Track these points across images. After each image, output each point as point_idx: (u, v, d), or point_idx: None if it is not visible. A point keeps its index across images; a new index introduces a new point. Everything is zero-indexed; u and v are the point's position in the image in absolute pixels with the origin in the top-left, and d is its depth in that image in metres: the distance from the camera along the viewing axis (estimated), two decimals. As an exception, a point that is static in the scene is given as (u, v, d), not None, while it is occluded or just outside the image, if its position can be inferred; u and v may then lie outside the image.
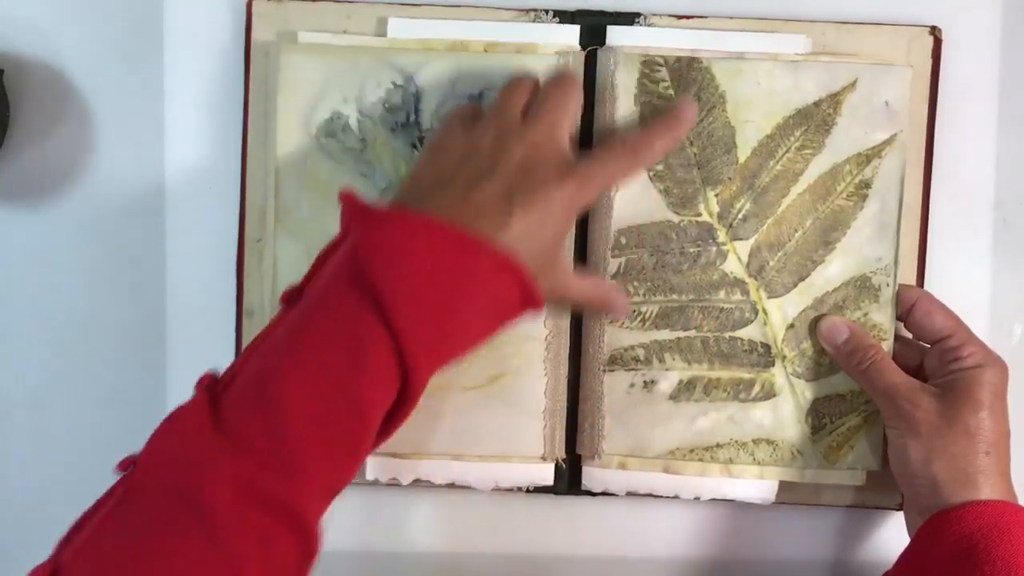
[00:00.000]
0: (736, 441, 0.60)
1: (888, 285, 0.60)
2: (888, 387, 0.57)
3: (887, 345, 0.60)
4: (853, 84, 0.59)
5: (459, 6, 0.61)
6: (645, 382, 0.60)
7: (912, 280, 0.61)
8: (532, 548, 0.63)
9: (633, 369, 0.60)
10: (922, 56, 0.61)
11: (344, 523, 0.62)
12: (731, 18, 0.61)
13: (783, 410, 0.60)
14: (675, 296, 0.60)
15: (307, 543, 0.46)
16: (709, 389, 0.60)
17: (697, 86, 0.59)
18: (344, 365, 0.46)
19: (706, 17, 0.61)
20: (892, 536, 0.63)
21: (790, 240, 0.60)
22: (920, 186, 0.61)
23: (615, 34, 0.60)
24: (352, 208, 0.49)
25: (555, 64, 0.59)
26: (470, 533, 0.63)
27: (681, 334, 0.60)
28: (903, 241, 0.60)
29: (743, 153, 0.59)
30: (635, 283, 0.60)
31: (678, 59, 0.59)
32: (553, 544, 0.63)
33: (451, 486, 0.61)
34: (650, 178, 0.59)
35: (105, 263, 0.63)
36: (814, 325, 0.60)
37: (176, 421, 0.47)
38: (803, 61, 0.60)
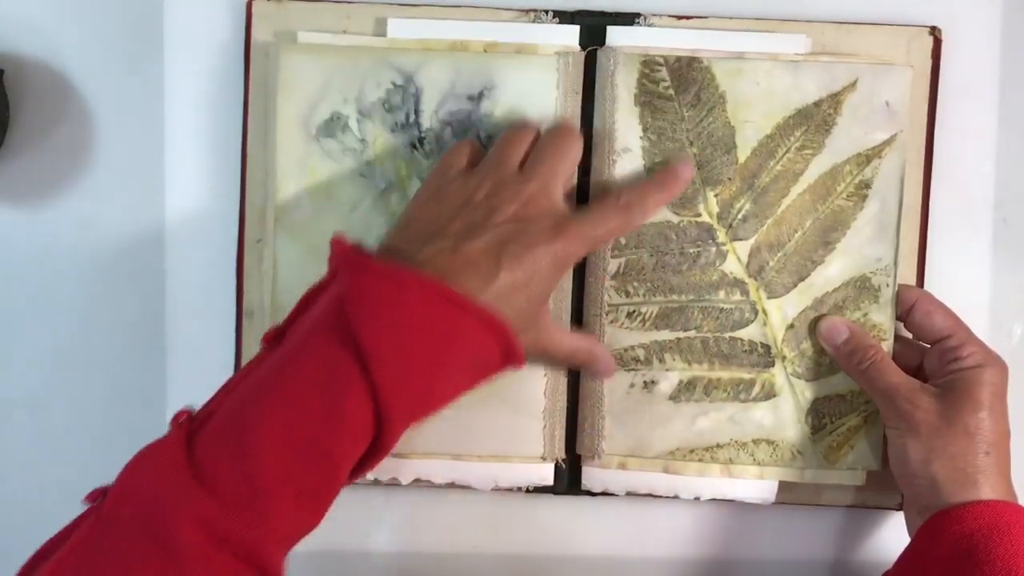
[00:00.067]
0: (736, 441, 0.60)
1: (888, 285, 0.60)
2: (888, 387, 0.57)
3: (887, 345, 0.60)
4: (853, 84, 0.59)
5: (459, 6, 0.61)
6: (645, 382, 0.60)
7: (912, 280, 0.61)
8: (532, 548, 0.63)
9: (633, 369, 0.60)
10: (922, 56, 0.61)
11: (344, 523, 0.62)
12: (731, 18, 0.61)
13: (783, 410, 0.60)
14: (675, 296, 0.60)
15: None
16: (709, 389, 0.60)
17: (697, 86, 0.59)
18: (320, 414, 0.46)
19: (706, 17, 0.61)
20: (892, 536, 0.63)
21: (790, 240, 0.60)
22: (920, 186, 0.61)
23: (615, 34, 0.60)
24: (341, 255, 0.50)
25: (556, 118, 0.59)
26: (470, 533, 0.63)
27: (681, 334, 0.60)
28: (903, 241, 0.60)
29: (743, 153, 0.59)
30: (635, 283, 0.60)
31: (678, 59, 0.59)
32: (553, 544, 0.63)
33: (451, 486, 0.61)
34: (650, 178, 0.60)
35: (105, 263, 0.63)
36: (814, 325, 0.60)
37: (150, 457, 0.47)
38: (803, 61, 0.60)
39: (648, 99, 0.59)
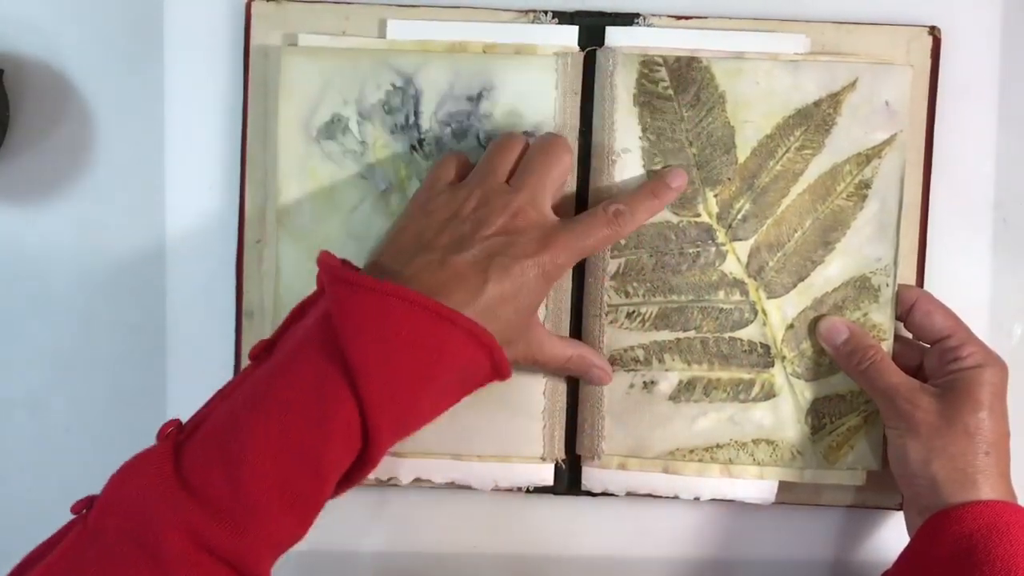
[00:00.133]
0: (736, 441, 0.60)
1: (888, 285, 0.60)
2: (888, 387, 0.57)
3: (887, 345, 0.60)
4: (853, 84, 0.59)
5: (458, 7, 0.61)
6: (645, 383, 0.60)
7: (912, 280, 0.61)
8: (532, 548, 0.63)
9: (633, 370, 0.60)
10: (922, 56, 0.61)
11: (344, 523, 0.62)
12: (730, 18, 0.61)
13: (783, 410, 0.60)
14: (674, 297, 0.60)
15: None
16: (709, 390, 0.60)
17: (696, 86, 0.59)
18: (307, 426, 0.46)
19: (705, 17, 0.61)
20: (892, 536, 0.63)
21: (790, 240, 0.60)
22: (920, 186, 0.61)
23: (614, 34, 0.60)
24: (328, 271, 0.50)
25: (546, 132, 0.59)
26: (470, 533, 0.63)
27: (681, 335, 0.60)
28: (903, 241, 0.60)
29: (743, 153, 0.59)
30: (634, 284, 0.60)
31: (677, 59, 0.59)
32: (553, 544, 0.63)
33: (451, 486, 0.61)
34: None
35: (105, 263, 0.63)
36: (814, 325, 0.60)
37: (137, 466, 0.47)
38: (803, 61, 0.60)
39: (647, 99, 0.59)
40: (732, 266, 0.60)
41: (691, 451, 0.60)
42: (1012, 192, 0.63)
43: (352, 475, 0.49)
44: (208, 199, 0.62)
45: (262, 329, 0.61)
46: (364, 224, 0.60)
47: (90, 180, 0.63)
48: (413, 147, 0.60)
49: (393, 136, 0.60)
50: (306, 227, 0.60)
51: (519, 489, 0.61)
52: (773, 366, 0.60)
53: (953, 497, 0.54)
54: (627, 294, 0.60)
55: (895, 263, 0.60)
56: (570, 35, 0.60)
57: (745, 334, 0.60)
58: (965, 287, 0.63)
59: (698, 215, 0.60)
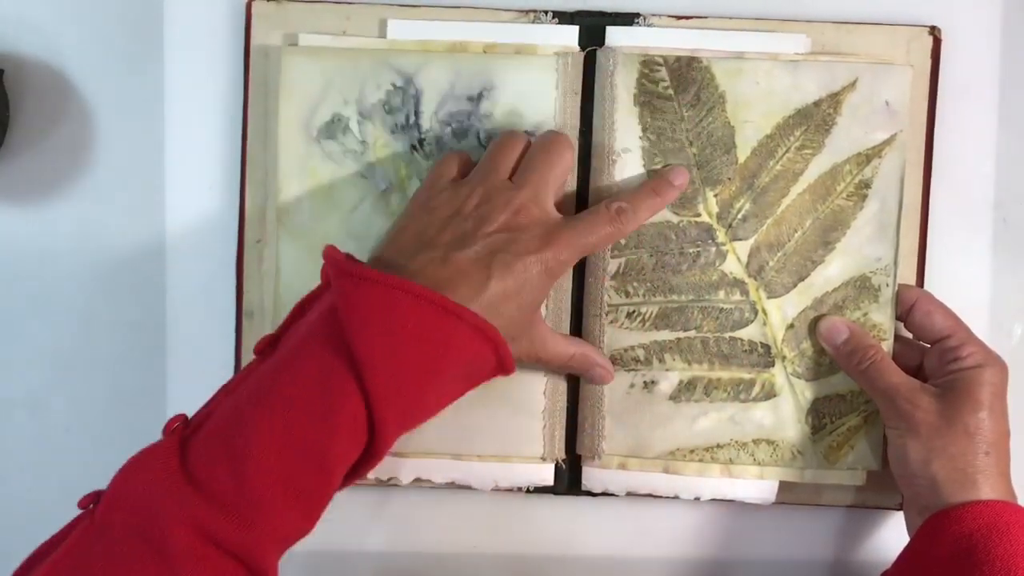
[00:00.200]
0: (736, 441, 0.60)
1: (888, 285, 0.60)
2: (888, 387, 0.57)
3: (887, 345, 0.60)
4: (853, 84, 0.59)
5: (458, 7, 0.61)
6: (645, 382, 0.60)
7: (912, 280, 0.61)
8: (532, 548, 0.63)
9: (633, 369, 0.60)
10: (922, 56, 0.61)
11: (344, 523, 0.62)
12: (731, 18, 0.61)
13: (783, 410, 0.60)
14: (675, 296, 0.60)
15: None
16: (709, 389, 0.60)
17: (697, 86, 0.59)
18: (312, 421, 0.46)
19: (705, 17, 0.61)
20: (892, 536, 0.63)
21: (790, 240, 0.60)
22: (920, 186, 0.61)
23: (614, 34, 0.60)
24: (334, 265, 0.50)
25: (548, 129, 0.59)
26: (470, 533, 0.63)
27: (681, 334, 0.60)
28: (903, 241, 0.60)
29: (743, 153, 0.59)
30: (634, 283, 0.60)
31: (677, 59, 0.59)
32: (553, 544, 0.63)
33: (451, 486, 0.61)
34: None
35: (105, 263, 0.63)
36: (814, 325, 0.60)
37: (143, 461, 0.47)
38: (803, 61, 0.60)
39: (647, 99, 0.59)
40: (732, 266, 0.60)
41: (691, 451, 0.60)
42: (1012, 192, 0.63)
43: (358, 468, 0.49)
44: (208, 199, 0.62)
45: (262, 329, 0.61)
46: (364, 224, 0.60)
47: (90, 180, 0.63)
48: (413, 147, 0.60)
49: (393, 136, 0.60)
50: (306, 227, 0.60)
51: (519, 489, 0.61)
52: (773, 366, 0.60)
53: (953, 497, 0.54)
54: (627, 294, 0.60)
55: (895, 263, 0.60)
56: (570, 35, 0.60)
57: (745, 334, 0.60)
58: (965, 287, 0.63)
59: (698, 215, 0.60)
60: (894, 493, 0.60)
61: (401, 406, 0.48)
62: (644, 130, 0.59)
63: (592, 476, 0.61)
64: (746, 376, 0.60)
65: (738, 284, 0.60)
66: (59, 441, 0.63)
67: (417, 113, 0.60)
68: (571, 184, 0.59)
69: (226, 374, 0.62)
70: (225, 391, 0.49)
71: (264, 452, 0.45)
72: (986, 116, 0.63)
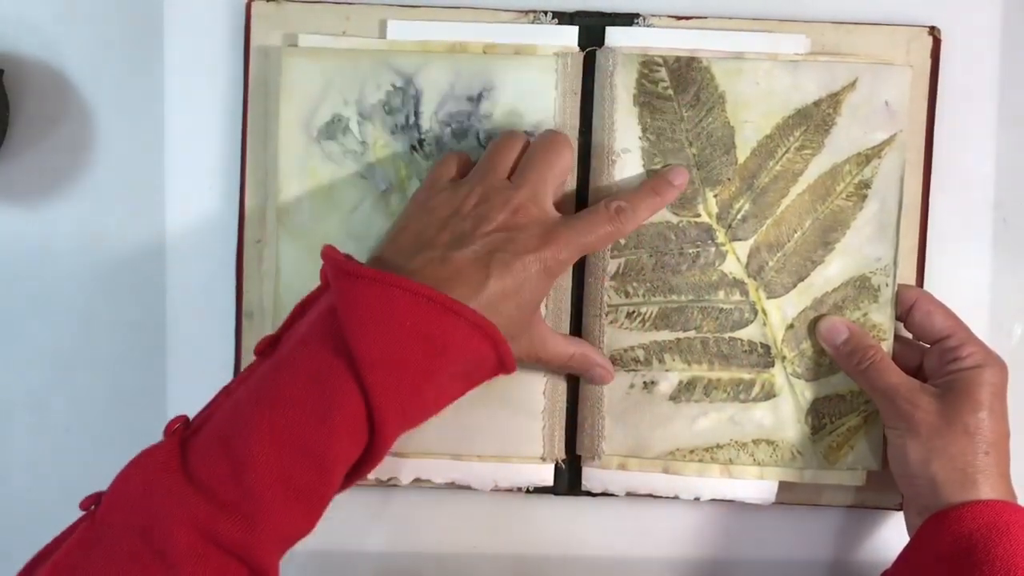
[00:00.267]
0: (736, 441, 0.60)
1: (888, 285, 0.60)
2: (887, 387, 0.57)
3: (887, 345, 0.60)
4: (853, 84, 0.59)
5: (458, 8, 0.61)
6: (645, 383, 0.60)
7: (912, 280, 0.61)
8: (532, 548, 0.63)
9: (633, 370, 0.60)
10: (921, 56, 0.61)
11: (345, 523, 0.62)
12: (730, 18, 0.61)
13: (783, 410, 0.60)
14: (674, 297, 0.60)
15: None
16: (709, 390, 0.60)
17: (696, 86, 0.59)
18: (312, 420, 0.46)
19: (705, 17, 0.61)
20: (892, 536, 0.63)
21: (789, 240, 0.60)
22: (920, 186, 0.61)
23: (614, 35, 0.60)
24: (332, 265, 0.50)
25: (546, 128, 0.59)
26: (470, 533, 0.63)
27: (681, 335, 0.60)
28: (903, 241, 0.60)
29: (742, 153, 0.59)
30: (634, 284, 0.60)
31: (677, 59, 0.59)
32: (553, 544, 0.63)
33: (451, 486, 0.61)
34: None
35: (105, 263, 0.63)
36: (813, 325, 0.60)
37: (144, 462, 0.47)
38: (802, 61, 0.60)
39: (647, 99, 0.59)
40: (732, 266, 0.60)
41: (691, 451, 0.60)
42: (1012, 192, 0.63)
43: (359, 468, 0.49)
44: (208, 199, 0.62)
45: (262, 329, 0.61)
46: (364, 224, 0.60)
47: (90, 180, 0.63)
48: (413, 147, 0.60)
49: (393, 136, 0.60)
50: (306, 227, 0.60)
51: (519, 489, 0.61)
52: (773, 366, 0.60)
53: (953, 497, 0.54)
54: (627, 294, 0.60)
55: (895, 263, 0.60)
56: (570, 35, 0.60)
57: (745, 334, 0.60)
58: (965, 287, 0.63)
59: (698, 215, 0.60)
60: (894, 493, 0.60)
61: (401, 404, 0.48)
62: (644, 130, 0.59)
63: (592, 476, 0.61)
64: (746, 376, 0.60)
65: (738, 284, 0.60)
66: (59, 441, 0.63)
67: (417, 113, 0.60)
68: (570, 184, 0.59)
69: (226, 374, 0.62)
70: (226, 392, 0.50)
71: (264, 452, 0.45)
72: (986, 116, 0.63)
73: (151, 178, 0.62)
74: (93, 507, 0.46)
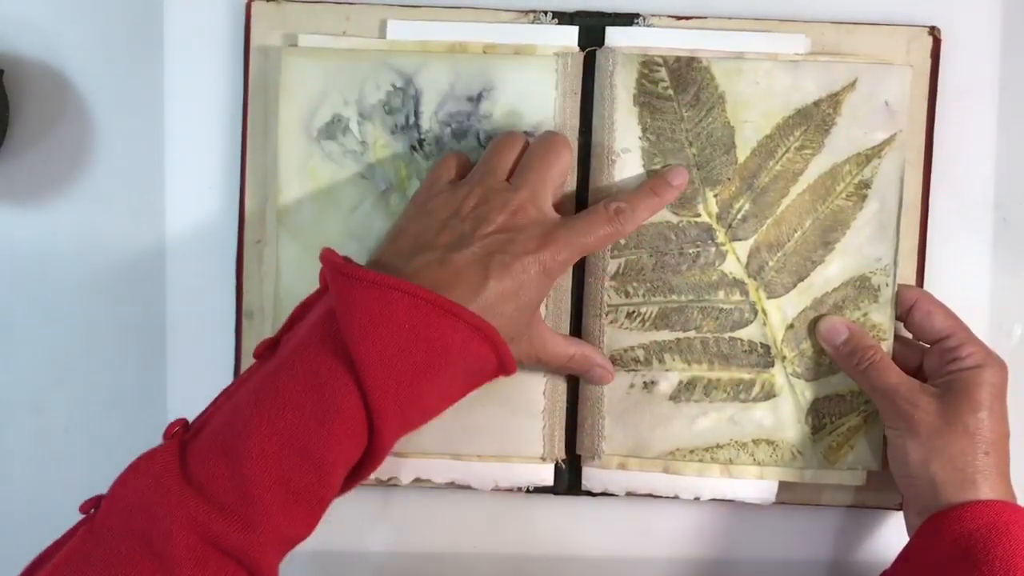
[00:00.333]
0: (736, 441, 0.60)
1: (888, 285, 0.60)
2: (887, 387, 0.57)
3: (886, 345, 0.60)
4: (853, 84, 0.59)
5: (458, 8, 0.61)
6: (645, 383, 0.60)
7: (912, 280, 0.61)
8: (532, 548, 0.63)
9: (633, 370, 0.60)
10: (921, 56, 0.61)
11: (345, 523, 0.62)
12: (730, 18, 0.61)
13: (783, 410, 0.60)
14: (674, 297, 0.60)
15: None
16: (709, 390, 0.60)
17: (696, 86, 0.59)
18: (312, 423, 0.46)
19: (705, 17, 0.61)
20: (892, 536, 0.63)
21: (789, 240, 0.60)
22: (920, 186, 0.61)
23: (614, 35, 0.60)
24: (331, 267, 0.50)
25: (546, 130, 0.59)
26: (470, 533, 0.63)
27: (681, 335, 0.60)
28: (903, 241, 0.60)
29: (742, 153, 0.59)
30: (634, 284, 0.60)
31: (677, 59, 0.59)
32: (553, 544, 0.63)
33: (451, 486, 0.61)
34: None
35: (105, 263, 0.63)
36: (813, 325, 0.60)
37: (143, 465, 0.47)
38: (802, 61, 0.60)
39: (647, 99, 0.59)
40: (732, 266, 0.60)
41: (691, 451, 0.60)
42: (1012, 192, 0.63)
43: (359, 470, 0.49)
44: (208, 199, 0.62)
45: (262, 329, 0.61)
46: (364, 224, 0.60)
47: (90, 180, 0.63)
48: (413, 147, 0.60)
49: (393, 136, 0.60)
50: (306, 227, 0.60)
51: (519, 489, 0.61)
52: (773, 366, 0.60)
53: (952, 497, 0.54)
54: (627, 294, 0.60)
55: (895, 263, 0.60)
56: (570, 35, 0.60)
57: (745, 334, 0.60)
58: (965, 287, 0.63)
59: (698, 215, 0.60)
60: (894, 493, 0.60)
61: (400, 407, 0.48)
62: (644, 130, 0.59)
63: (592, 476, 0.61)
64: (746, 376, 0.60)
65: (738, 284, 0.60)
66: (59, 441, 0.63)
67: (417, 113, 0.60)
68: (570, 184, 0.59)
69: (226, 375, 0.62)
70: (226, 395, 0.50)
71: (263, 454, 0.45)
72: (986, 116, 0.63)
73: (151, 178, 0.62)
74: (93, 510, 0.46)
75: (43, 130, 0.63)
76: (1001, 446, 0.55)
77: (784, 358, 0.60)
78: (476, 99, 0.59)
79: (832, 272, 0.60)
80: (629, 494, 0.61)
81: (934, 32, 0.61)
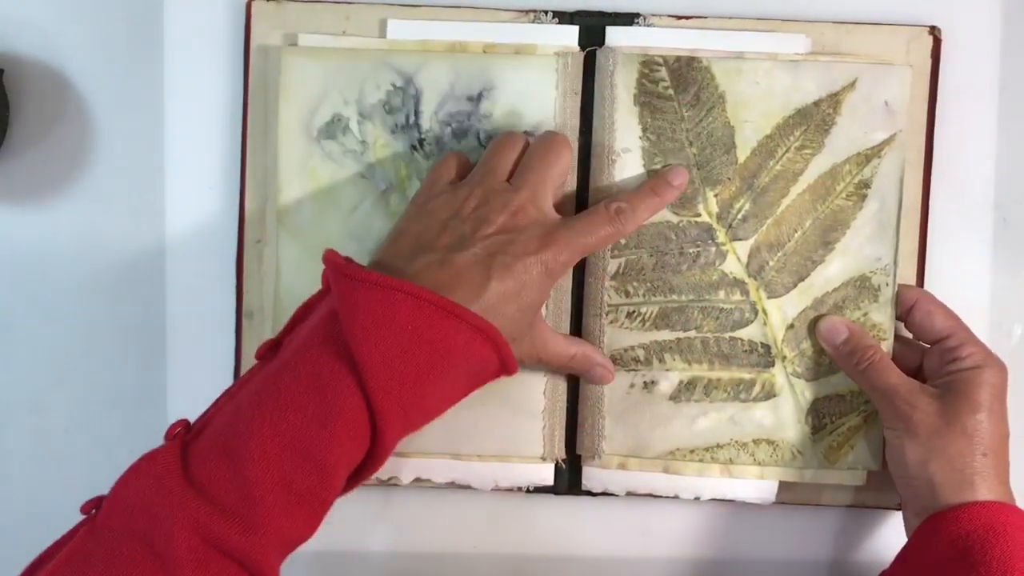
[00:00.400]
0: (736, 441, 0.60)
1: (888, 285, 0.60)
2: (887, 387, 0.57)
3: (886, 345, 0.60)
4: (852, 84, 0.59)
5: (458, 7, 0.61)
6: (645, 382, 0.60)
7: (912, 280, 0.61)
8: (532, 548, 0.63)
9: (633, 370, 0.60)
10: (921, 56, 0.61)
11: (345, 523, 0.62)
12: (730, 18, 0.61)
13: (783, 410, 0.60)
14: (675, 296, 0.60)
15: None
16: (709, 389, 0.60)
17: (696, 86, 0.59)
18: (314, 424, 0.46)
19: (705, 17, 0.61)
20: (892, 536, 0.63)
21: (790, 240, 0.60)
22: (920, 186, 0.61)
23: (614, 34, 0.60)
24: (333, 268, 0.50)
25: (546, 130, 0.59)
26: (470, 533, 0.63)
27: (681, 334, 0.60)
28: (903, 241, 0.60)
29: (742, 153, 0.59)
30: (635, 283, 0.60)
31: (677, 59, 0.59)
32: (553, 544, 0.63)
33: (451, 486, 0.61)
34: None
35: (105, 263, 0.63)
36: (814, 325, 0.60)
37: (145, 466, 0.47)
38: (802, 61, 0.60)
39: (647, 99, 0.59)
40: (732, 266, 0.60)
41: (691, 451, 0.60)
42: (1012, 192, 0.63)
43: (361, 471, 0.49)
44: (208, 199, 0.62)
45: (262, 329, 0.61)
46: (364, 224, 0.60)
47: (90, 180, 0.63)
48: (413, 147, 0.60)
49: (393, 136, 0.60)
50: (306, 227, 0.60)
51: (519, 489, 0.61)
52: (773, 366, 0.60)
53: (950, 498, 0.54)
54: (627, 294, 0.60)
55: (895, 263, 0.60)
56: (570, 35, 0.60)
57: (745, 334, 0.60)
58: (965, 287, 0.63)
59: (698, 215, 0.60)
60: (894, 493, 0.60)
61: (403, 408, 0.48)
62: (644, 130, 0.59)
63: (592, 476, 0.61)
64: (746, 376, 0.60)
65: (738, 284, 0.60)
66: (59, 441, 0.63)
67: (417, 113, 0.60)
68: (571, 184, 0.59)
69: (226, 375, 0.62)
70: (227, 396, 0.50)
71: (265, 455, 0.45)
72: (986, 116, 0.63)
73: (151, 178, 0.62)
74: (94, 511, 0.46)
75: (43, 130, 0.63)
76: (1000, 447, 0.55)
77: (784, 358, 0.60)
78: (476, 99, 0.59)
79: (832, 272, 0.60)
80: (629, 494, 0.61)
81: (934, 32, 0.61)
